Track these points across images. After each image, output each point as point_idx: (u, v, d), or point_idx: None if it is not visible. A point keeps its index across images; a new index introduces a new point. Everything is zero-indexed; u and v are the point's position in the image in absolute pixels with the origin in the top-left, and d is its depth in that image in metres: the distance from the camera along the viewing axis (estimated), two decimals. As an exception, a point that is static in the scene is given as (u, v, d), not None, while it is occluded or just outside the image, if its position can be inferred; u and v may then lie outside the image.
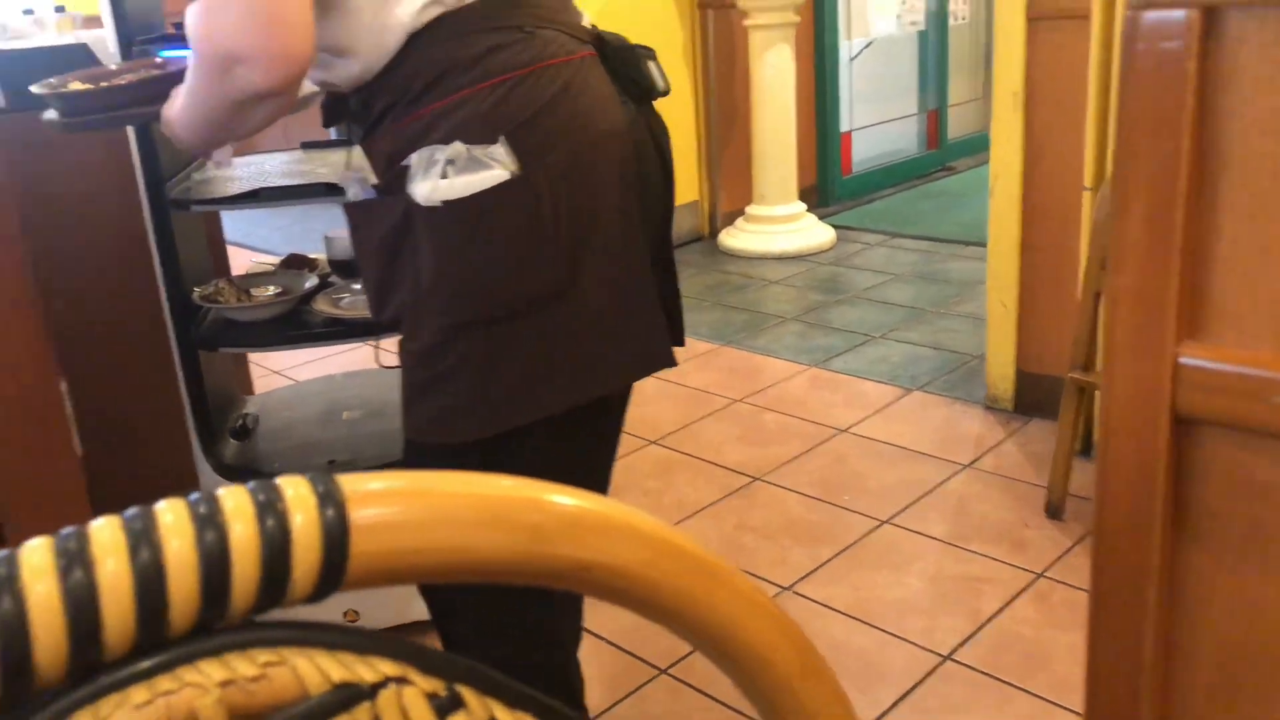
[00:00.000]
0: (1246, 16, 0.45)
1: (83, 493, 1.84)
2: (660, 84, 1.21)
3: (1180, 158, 0.47)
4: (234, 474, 1.98)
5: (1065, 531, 2.25)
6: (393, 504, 0.33)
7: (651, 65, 1.20)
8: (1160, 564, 0.52)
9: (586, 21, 1.23)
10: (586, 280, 1.11)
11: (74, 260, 2.22)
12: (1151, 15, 0.46)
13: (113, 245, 2.27)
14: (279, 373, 3.50)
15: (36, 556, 0.27)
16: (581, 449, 1.25)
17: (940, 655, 1.90)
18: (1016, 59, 2.60)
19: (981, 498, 2.42)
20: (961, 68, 5.98)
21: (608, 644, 1.97)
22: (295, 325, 1.99)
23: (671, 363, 1.23)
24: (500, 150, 1.06)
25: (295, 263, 2.23)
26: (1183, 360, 0.50)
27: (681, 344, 1.32)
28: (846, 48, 5.16)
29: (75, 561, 0.27)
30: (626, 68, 1.18)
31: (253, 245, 5.10)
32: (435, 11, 1.07)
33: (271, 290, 2.06)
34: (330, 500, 0.31)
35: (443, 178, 1.05)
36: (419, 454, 1.21)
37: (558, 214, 1.07)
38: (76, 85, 1.48)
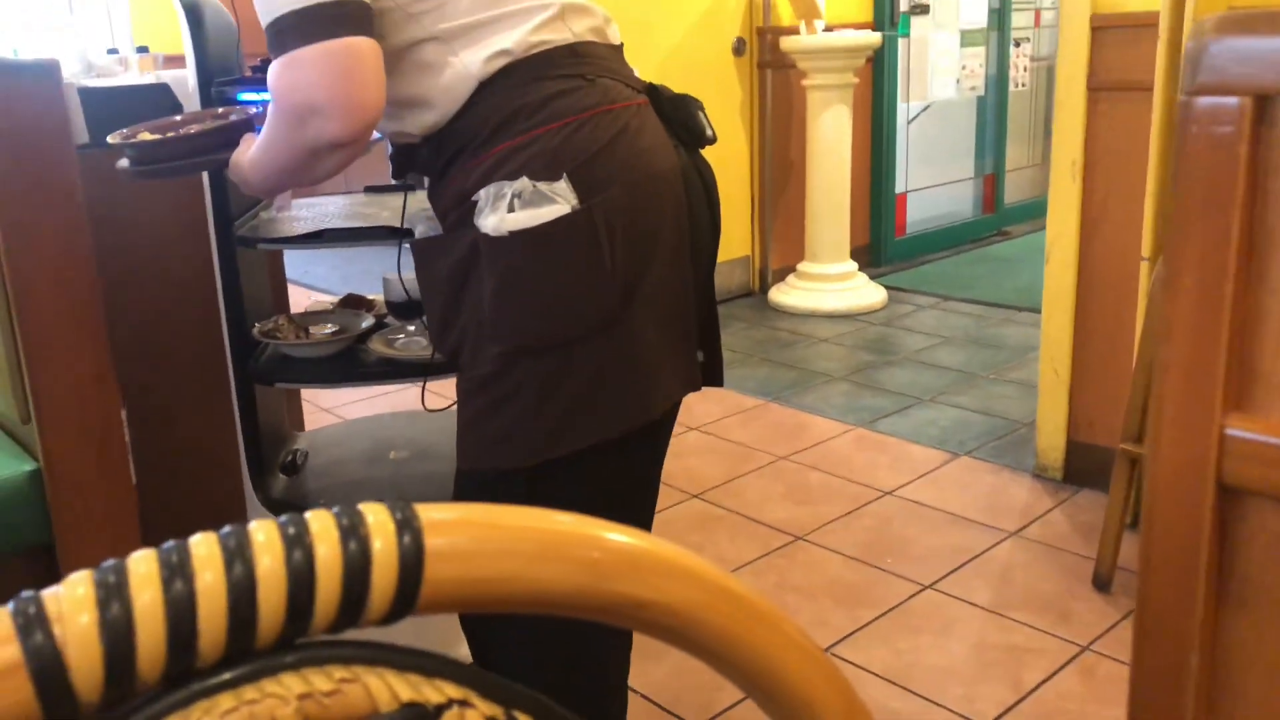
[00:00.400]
0: (1298, 105, 0.47)
1: (134, 520, 1.88)
2: (709, 132, 1.28)
3: (1230, 237, 0.48)
4: (281, 509, 2.01)
5: (1113, 604, 2.22)
6: (465, 534, 0.35)
7: (700, 114, 1.28)
8: (1203, 632, 0.52)
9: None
10: (637, 310, 1.17)
11: (140, 290, 2.29)
12: (1205, 100, 0.48)
13: (178, 278, 2.33)
14: (329, 410, 3.55)
15: (143, 566, 0.29)
16: (625, 476, 1.28)
17: (980, 724, 1.87)
18: (1076, 128, 2.61)
19: (1027, 567, 2.39)
20: (1020, 134, 5.99)
21: (642, 698, 1.97)
22: (350, 364, 2.03)
23: (716, 381, 1.33)
24: (563, 186, 1.12)
25: (353, 303, 2.28)
26: (1229, 431, 0.50)
27: (720, 383, 1.37)
28: (904, 110, 5.20)
29: (176, 573, 0.29)
30: (678, 115, 1.26)
31: (310, 284, 5.21)
32: (503, 61, 1.14)
33: (329, 328, 2.10)
34: (408, 527, 0.33)
35: (510, 210, 1.12)
36: (469, 482, 1.25)
37: (614, 247, 1.13)
38: (146, 135, 1.56)
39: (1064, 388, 2.76)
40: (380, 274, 2.13)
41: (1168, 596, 0.53)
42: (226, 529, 0.31)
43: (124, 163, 1.57)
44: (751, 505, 2.74)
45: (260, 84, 1.85)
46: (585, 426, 1.17)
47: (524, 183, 1.12)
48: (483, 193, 1.14)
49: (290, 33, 1.05)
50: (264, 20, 1.08)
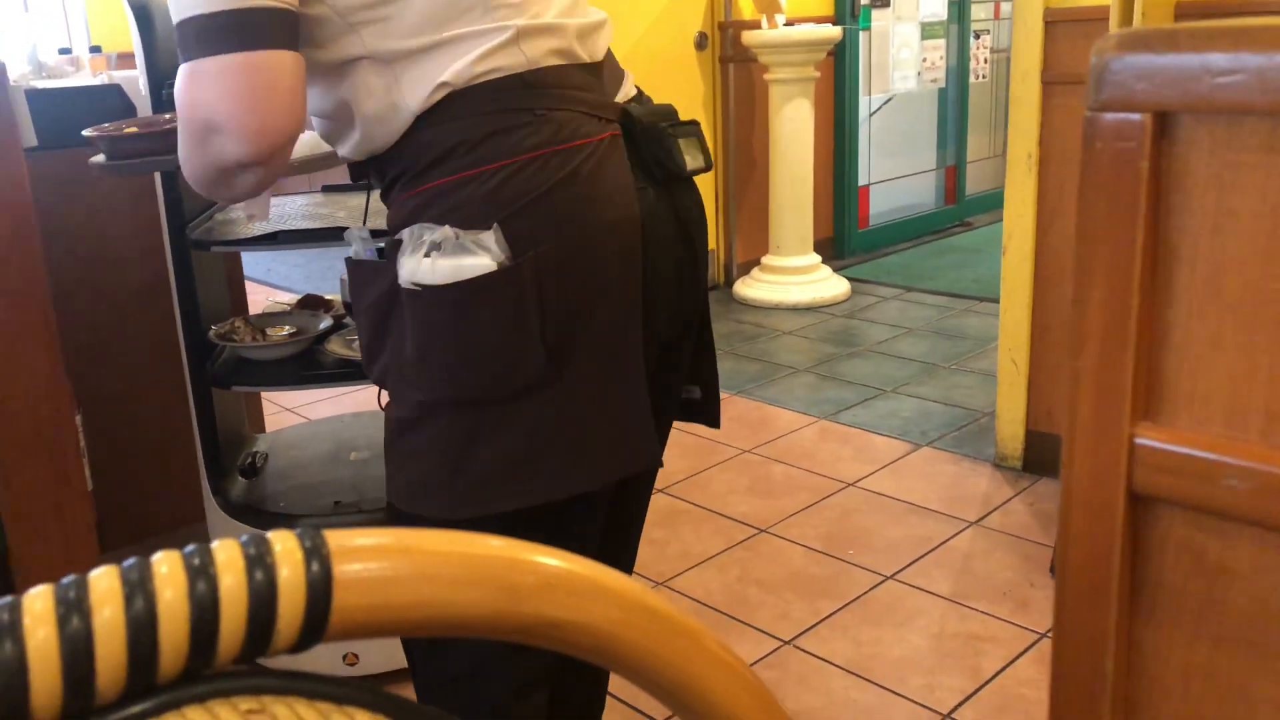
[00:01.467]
0: (1196, 122, 0.48)
1: (91, 527, 1.86)
2: (688, 165, 1.15)
3: (1135, 250, 0.49)
4: (241, 512, 2.00)
5: (1070, 593, 2.25)
6: (376, 560, 0.35)
7: (684, 144, 1.15)
8: (1117, 637, 0.53)
9: (629, 85, 1.19)
10: (573, 374, 1.07)
11: (95, 295, 2.27)
12: (1109, 116, 0.49)
13: (133, 282, 2.31)
14: (291, 410, 3.53)
15: (39, 604, 0.29)
16: (561, 543, 1.20)
17: (940, 714, 1.89)
18: (1031, 121, 2.63)
19: (987, 556, 2.42)
20: (981, 125, 6.04)
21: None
22: (308, 365, 2.02)
23: (656, 463, 1.19)
24: (490, 238, 1.02)
25: (311, 303, 2.27)
26: (1138, 440, 0.52)
27: (717, 425, 1.29)
28: (866, 103, 5.22)
29: (74, 610, 0.29)
30: (649, 149, 1.14)
31: (273, 282, 5.17)
32: (443, 93, 1.05)
33: (286, 330, 2.09)
34: (316, 555, 0.33)
35: (426, 257, 1.03)
36: (398, 518, 1.18)
37: (543, 307, 1.03)
38: (130, 130, 1.58)
39: (1023, 378, 2.79)
40: (340, 274, 2.12)
41: (1083, 603, 0.54)
42: (130, 561, 0.31)
43: (99, 158, 1.58)
44: (716, 498, 2.75)
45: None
46: (506, 492, 1.08)
47: (446, 231, 1.01)
48: (406, 233, 1.04)
49: (193, 40, 0.95)
50: (173, 19, 0.98)
